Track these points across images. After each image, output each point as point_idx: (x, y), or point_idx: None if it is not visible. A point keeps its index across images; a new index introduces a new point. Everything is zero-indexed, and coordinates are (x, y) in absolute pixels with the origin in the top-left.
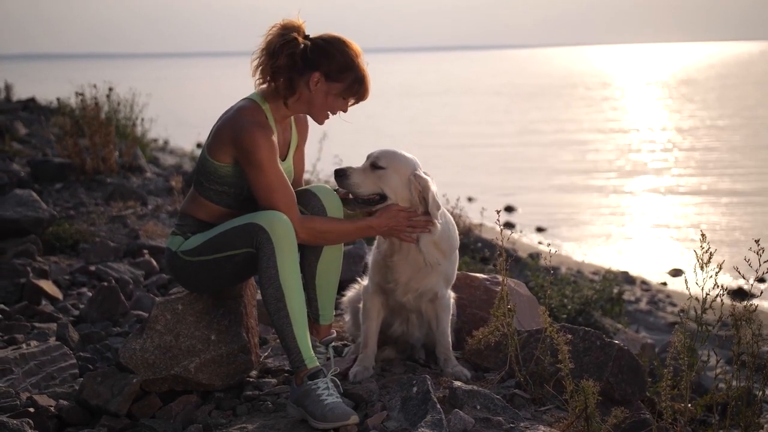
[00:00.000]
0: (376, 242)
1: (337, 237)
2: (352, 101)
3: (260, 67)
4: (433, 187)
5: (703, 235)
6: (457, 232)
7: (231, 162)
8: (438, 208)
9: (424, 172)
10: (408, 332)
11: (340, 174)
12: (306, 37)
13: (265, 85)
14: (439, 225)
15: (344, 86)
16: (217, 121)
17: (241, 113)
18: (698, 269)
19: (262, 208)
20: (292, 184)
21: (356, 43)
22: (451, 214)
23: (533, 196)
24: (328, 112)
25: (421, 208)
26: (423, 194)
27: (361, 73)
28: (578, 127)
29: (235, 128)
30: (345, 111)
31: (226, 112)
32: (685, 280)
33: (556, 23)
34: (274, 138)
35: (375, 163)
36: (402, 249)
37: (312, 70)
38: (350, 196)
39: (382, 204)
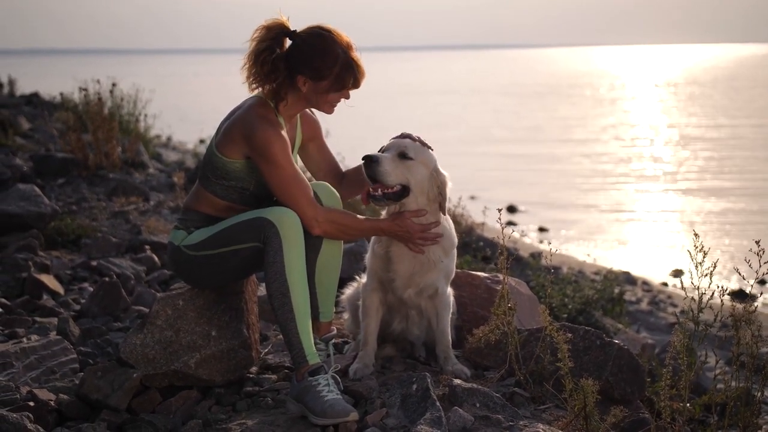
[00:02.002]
0: (373, 238)
1: (355, 232)
2: (350, 88)
3: (249, 76)
4: (450, 184)
5: (696, 234)
6: (454, 228)
7: (241, 158)
8: (448, 203)
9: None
10: (407, 330)
11: (373, 160)
12: (291, 34)
13: (258, 90)
14: (443, 220)
15: (330, 82)
16: (227, 118)
17: (251, 111)
18: (693, 268)
19: (283, 203)
20: (328, 174)
21: (344, 34)
22: (453, 212)
23: (536, 195)
24: (331, 104)
25: (433, 205)
26: (441, 189)
27: (346, 64)
28: (584, 128)
29: (247, 126)
30: (348, 98)
31: (236, 109)
32: (681, 281)
33: (559, 23)
34: (285, 134)
35: (404, 153)
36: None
37: (296, 73)
38: (378, 192)
39: (404, 198)
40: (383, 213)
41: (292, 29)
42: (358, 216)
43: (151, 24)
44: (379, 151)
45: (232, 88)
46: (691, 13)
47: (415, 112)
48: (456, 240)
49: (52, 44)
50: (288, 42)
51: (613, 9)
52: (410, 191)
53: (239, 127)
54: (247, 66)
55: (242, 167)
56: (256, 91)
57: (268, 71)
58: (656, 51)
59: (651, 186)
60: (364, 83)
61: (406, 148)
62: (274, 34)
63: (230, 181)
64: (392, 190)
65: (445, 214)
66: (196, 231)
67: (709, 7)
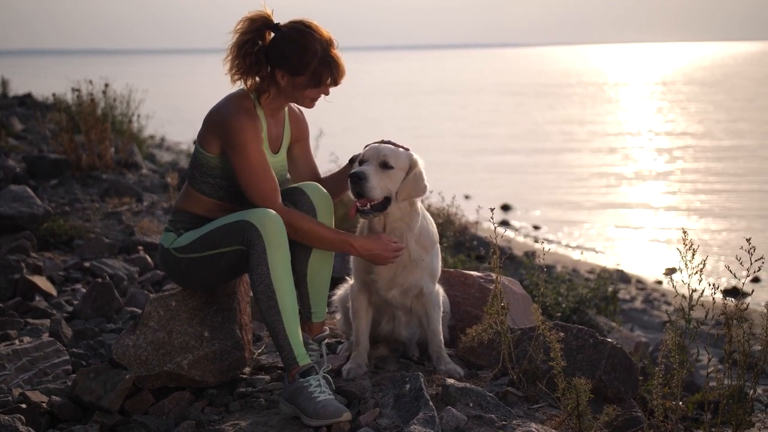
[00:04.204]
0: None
1: (313, 240)
2: (328, 85)
3: (231, 68)
4: (421, 161)
5: (684, 232)
6: (434, 226)
7: (219, 153)
8: (422, 191)
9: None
10: (396, 330)
11: (361, 177)
12: (274, 27)
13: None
14: (422, 218)
15: (307, 78)
16: (208, 112)
17: (228, 100)
18: (682, 266)
19: (246, 195)
20: (307, 179)
21: (325, 30)
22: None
23: (531, 194)
24: (311, 99)
25: (413, 201)
26: (418, 178)
27: (324, 60)
28: (580, 128)
29: (221, 114)
30: (327, 94)
31: (218, 103)
32: (671, 279)
33: (556, 22)
34: (262, 126)
35: (386, 163)
36: None
37: (275, 67)
38: (367, 206)
39: (388, 206)
40: (358, 226)
41: (275, 22)
42: (325, 226)
43: (148, 24)
44: (358, 162)
45: (228, 87)
46: (685, 11)
47: (412, 112)
48: (437, 237)
49: (46, 44)
50: (271, 35)
51: (607, 8)
52: (393, 199)
53: (215, 115)
54: (229, 58)
55: (221, 162)
56: (238, 83)
57: (250, 63)
58: (650, 49)
59: (646, 185)
60: (344, 81)
61: (387, 157)
62: (257, 26)
63: (215, 178)
64: (377, 201)
65: (424, 193)
66: (185, 233)
67: (703, 6)
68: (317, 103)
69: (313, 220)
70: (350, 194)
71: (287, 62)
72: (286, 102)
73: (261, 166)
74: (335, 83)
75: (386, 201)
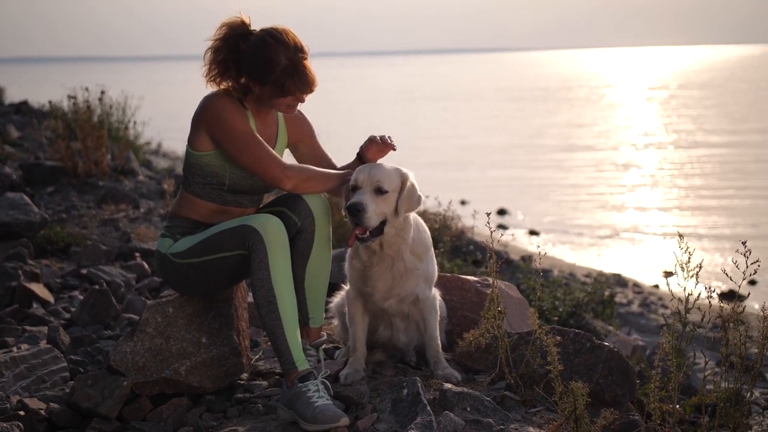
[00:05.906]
0: (350, 252)
1: (324, 182)
2: (299, 94)
3: (207, 74)
4: (411, 174)
5: (680, 236)
6: (428, 231)
7: (211, 149)
8: (417, 203)
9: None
10: (394, 337)
11: (360, 209)
12: (247, 35)
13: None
14: (415, 224)
15: (271, 89)
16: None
17: (209, 94)
18: (678, 270)
19: (250, 171)
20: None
21: (294, 37)
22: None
23: (527, 199)
24: (287, 105)
25: (407, 215)
26: (411, 194)
27: (287, 70)
28: (577, 132)
29: (202, 105)
30: (302, 101)
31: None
32: (667, 282)
33: (554, 26)
34: (247, 114)
35: (380, 188)
36: (383, 260)
37: (245, 77)
38: (366, 234)
39: (385, 227)
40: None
41: (251, 29)
42: (325, 170)
43: (142, 31)
44: (351, 187)
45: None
46: (683, 15)
47: (410, 118)
48: (430, 242)
49: (41, 52)
50: (234, 50)
51: (606, 12)
52: (388, 221)
53: (198, 111)
54: (206, 64)
55: (213, 158)
56: (213, 87)
57: (223, 70)
58: (649, 53)
59: (644, 189)
60: (316, 89)
61: (380, 182)
62: (233, 33)
63: (206, 177)
64: (375, 226)
65: (401, 216)
66: (183, 239)
67: (701, 10)
68: (316, 105)
69: (312, 168)
70: (348, 222)
71: (253, 72)
72: (267, 108)
73: (253, 136)
74: (302, 91)
75: (382, 224)
